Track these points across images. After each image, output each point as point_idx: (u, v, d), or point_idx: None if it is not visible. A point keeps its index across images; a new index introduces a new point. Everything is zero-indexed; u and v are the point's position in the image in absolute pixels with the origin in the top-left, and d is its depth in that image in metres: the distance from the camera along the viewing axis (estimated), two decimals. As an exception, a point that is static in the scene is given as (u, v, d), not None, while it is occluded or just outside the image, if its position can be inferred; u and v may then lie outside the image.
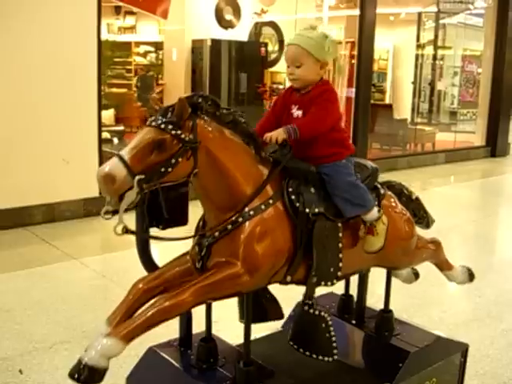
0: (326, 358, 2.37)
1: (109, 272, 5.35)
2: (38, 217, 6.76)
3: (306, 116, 2.36)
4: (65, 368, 3.42)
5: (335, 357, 2.38)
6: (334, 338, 2.38)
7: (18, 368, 3.58)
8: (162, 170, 1.99)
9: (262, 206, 2.20)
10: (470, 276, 3.19)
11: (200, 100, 2.11)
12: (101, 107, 7.43)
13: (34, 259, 5.61)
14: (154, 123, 2.03)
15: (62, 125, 6.76)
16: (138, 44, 14.23)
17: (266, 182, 2.25)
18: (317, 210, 2.29)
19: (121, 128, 11.10)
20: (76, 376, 1.91)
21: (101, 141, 7.39)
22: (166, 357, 2.54)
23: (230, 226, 2.16)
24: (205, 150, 2.08)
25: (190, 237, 2.30)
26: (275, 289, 2.50)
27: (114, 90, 12.31)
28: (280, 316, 2.64)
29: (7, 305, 4.53)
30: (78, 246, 6.13)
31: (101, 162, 7.02)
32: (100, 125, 7.37)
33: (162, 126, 2.00)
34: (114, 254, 5.83)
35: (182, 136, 2.01)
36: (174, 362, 2.52)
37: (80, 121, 6.98)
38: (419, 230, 2.89)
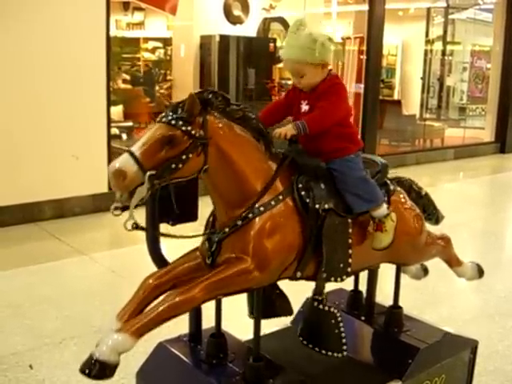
0: (336, 354, 2.39)
1: (118, 267, 5.37)
2: (48, 212, 6.80)
3: (314, 110, 2.35)
4: (74, 363, 3.43)
5: (344, 353, 2.39)
6: (343, 334, 2.38)
7: (28, 363, 3.61)
8: (173, 166, 1.99)
9: (272, 202, 2.20)
10: (480, 272, 3.19)
11: (210, 96, 2.11)
12: (110, 103, 7.45)
13: (43, 255, 5.63)
14: (164, 119, 2.04)
15: (72, 121, 6.78)
16: (146, 40, 14.21)
17: (275, 177, 2.25)
18: (327, 206, 2.29)
19: (129, 124, 11.11)
20: (87, 371, 1.91)
21: (110, 137, 7.42)
22: (176, 352, 2.55)
23: (240, 222, 2.16)
24: (215, 146, 2.09)
25: (199, 235, 2.31)
26: (284, 284, 2.50)
27: (123, 86, 12.32)
28: (289, 312, 2.63)
29: (17, 300, 4.55)
30: (88, 241, 6.16)
31: (110, 158, 7.05)
32: (109, 121, 7.40)
33: (173, 122, 2.01)
34: (123, 249, 5.85)
35: (193, 132, 2.02)
36: (183, 357, 2.52)
37: (89, 117, 7.00)
38: (428, 226, 2.88)
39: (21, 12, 6.30)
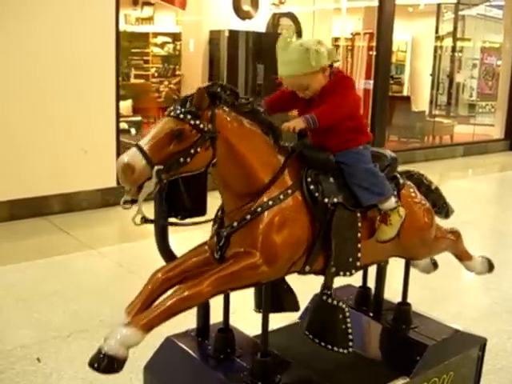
0: (341, 350, 2.35)
1: (126, 262, 5.38)
2: (56, 206, 6.81)
3: (324, 104, 2.33)
4: (82, 357, 3.46)
5: (350, 349, 2.36)
6: (350, 330, 2.36)
7: (36, 356, 3.62)
8: (181, 160, 1.98)
9: (281, 196, 2.18)
10: (490, 266, 3.15)
11: (219, 90, 2.09)
12: (119, 98, 7.46)
13: (51, 249, 5.65)
14: (172, 113, 2.02)
15: (81, 115, 6.79)
16: (155, 35, 14.23)
17: (284, 171, 2.24)
18: (335, 200, 2.28)
19: (138, 118, 11.15)
20: (96, 365, 1.90)
21: (118, 131, 7.43)
22: (184, 347, 2.55)
23: (248, 216, 2.15)
24: (223, 140, 2.07)
25: (208, 220, 2.30)
26: (292, 281, 2.50)
27: (132, 80, 12.34)
28: (296, 308, 2.62)
29: (25, 294, 4.56)
30: (96, 235, 6.18)
31: (118, 153, 7.06)
32: (118, 115, 7.41)
33: (181, 115, 1.99)
34: (131, 243, 5.86)
35: (201, 126, 2.00)
36: (191, 351, 2.52)
37: (98, 111, 7.01)
38: (439, 221, 2.87)
39: (31, 7, 6.31)
